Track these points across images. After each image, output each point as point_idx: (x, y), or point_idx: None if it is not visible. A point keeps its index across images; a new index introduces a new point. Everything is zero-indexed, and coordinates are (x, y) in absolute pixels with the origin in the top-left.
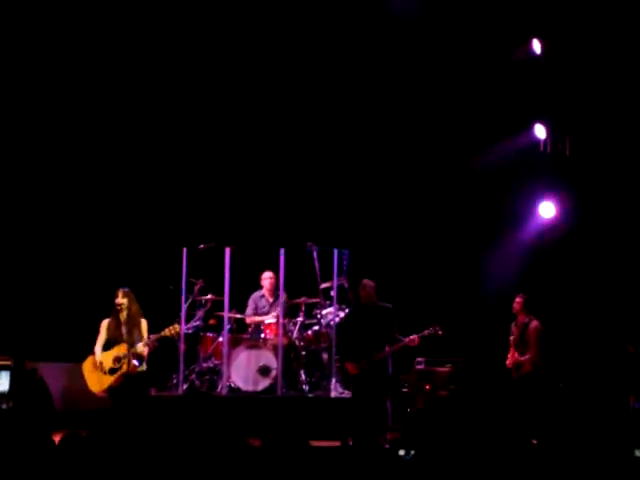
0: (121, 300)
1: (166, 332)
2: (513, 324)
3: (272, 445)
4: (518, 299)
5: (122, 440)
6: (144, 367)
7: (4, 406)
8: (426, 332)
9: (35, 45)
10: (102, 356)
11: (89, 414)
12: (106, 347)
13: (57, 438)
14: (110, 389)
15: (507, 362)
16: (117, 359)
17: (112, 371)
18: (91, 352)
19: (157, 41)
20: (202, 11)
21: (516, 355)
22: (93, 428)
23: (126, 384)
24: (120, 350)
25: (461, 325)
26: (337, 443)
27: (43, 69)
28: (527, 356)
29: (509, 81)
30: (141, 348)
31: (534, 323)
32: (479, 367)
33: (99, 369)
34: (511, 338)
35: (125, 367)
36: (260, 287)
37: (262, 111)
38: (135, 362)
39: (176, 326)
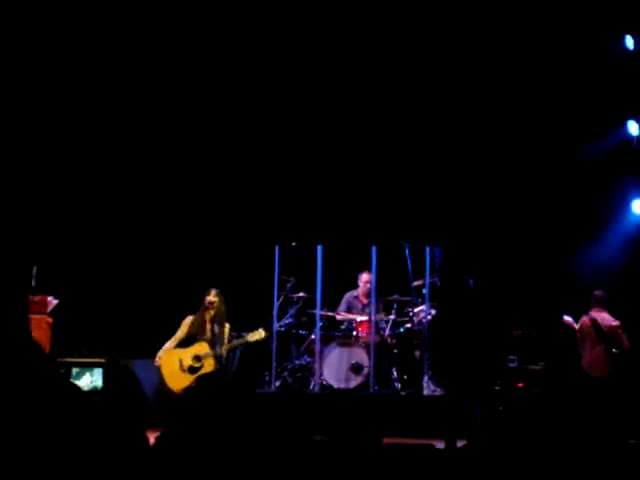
0: (213, 299)
1: (248, 338)
2: (591, 318)
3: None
4: (600, 293)
5: (214, 436)
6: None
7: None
8: (519, 332)
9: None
10: (181, 353)
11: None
12: (184, 344)
13: (150, 435)
14: (188, 389)
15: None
16: (197, 357)
17: (192, 370)
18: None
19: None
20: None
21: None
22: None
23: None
24: (201, 348)
25: (552, 323)
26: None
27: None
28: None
29: (602, 78)
30: (222, 351)
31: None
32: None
33: (178, 366)
34: (580, 333)
35: (206, 367)
36: (355, 286)
37: (352, 111)
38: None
39: (261, 331)
